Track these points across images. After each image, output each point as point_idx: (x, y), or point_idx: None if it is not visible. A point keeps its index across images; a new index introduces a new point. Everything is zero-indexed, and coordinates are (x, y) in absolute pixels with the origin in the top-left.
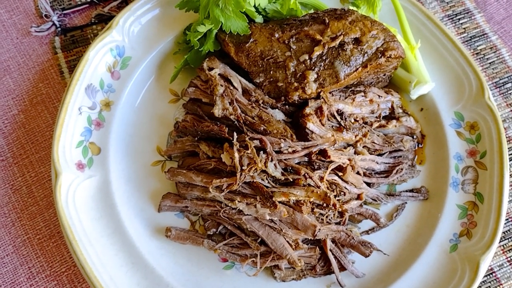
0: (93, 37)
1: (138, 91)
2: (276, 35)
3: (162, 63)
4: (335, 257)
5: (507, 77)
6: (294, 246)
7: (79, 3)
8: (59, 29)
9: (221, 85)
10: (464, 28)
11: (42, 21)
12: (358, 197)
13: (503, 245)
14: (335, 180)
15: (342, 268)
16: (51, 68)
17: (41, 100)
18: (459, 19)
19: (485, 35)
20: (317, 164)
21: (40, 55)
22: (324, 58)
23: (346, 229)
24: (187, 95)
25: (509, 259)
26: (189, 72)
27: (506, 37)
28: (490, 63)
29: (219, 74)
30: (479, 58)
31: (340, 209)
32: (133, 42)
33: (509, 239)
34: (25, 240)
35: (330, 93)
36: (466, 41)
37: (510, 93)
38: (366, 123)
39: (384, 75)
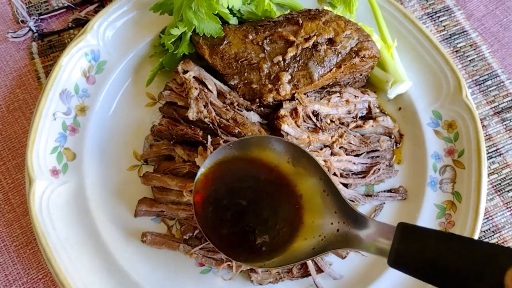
0: (70, 41)
1: (114, 95)
2: (250, 37)
3: (139, 67)
4: (312, 260)
5: (487, 74)
6: None
7: (56, 8)
8: (36, 34)
9: (196, 88)
10: (444, 26)
11: (19, 26)
12: None
13: None
14: None
15: (319, 270)
16: (28, 73)
17: (18, 106)
18: (438, 16)
19: (465, 33)
20: None
21: (17, 60)
22: (298, 59)
23: None
24: (162, 99)
25: None
26: (166, 75)
27: (486, 34)
28: (470, 60)
29: (193, 77)
30: (459, 56)
31: None
32: (108, 46)
33: (489, 238)
34: (2, 247)
35: (305, 94)
36: (446, 38)
37: (490, 91)
38: (342, 123)
39: (361, 75)
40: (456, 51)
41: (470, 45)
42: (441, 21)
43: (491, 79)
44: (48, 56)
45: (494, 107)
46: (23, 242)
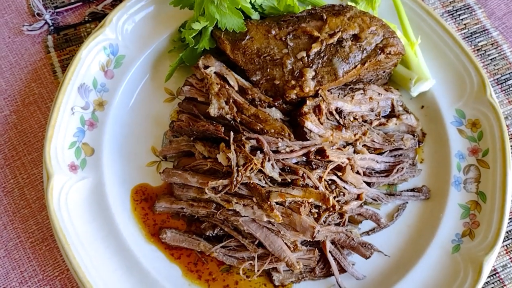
0: (86, 35)
1: (132, 90)
2: (273, 32)
3: (157, 62)
4: (335, 259)
5: (509, 73)
6: (292, 248)
7: (72, 1)
8: (52, 27)
9: (217, 84)
10: (464, 24)
11: (35, 19)
12: (358, 197)
13: (506, 245)
14: (334, 180)
15: (342, 270)
16: (44, 67)
17: (33, 100)
18: (459, 14)
19: (486, 31)
20: (316, 164)
21: (33, 54)
22: (322, 55)
23: (346, 230)
24: (182, 94)
25: None
26: (185, 71)
27: (508, 33)
28: (491, 59)
29: (214, 73)
30: (480, 55)
31: (339, 210)
32: (127, 40)
33: None
34: (17, 243)
35: (328, 90)
36: (467, 37)
37: None
38: (365, 121)
39: (384, 72)
40: (477, 49)
41: (491, 44)
42: (461, 19)
43: None
44: (64, 50)
45: None
46: (39, 239)
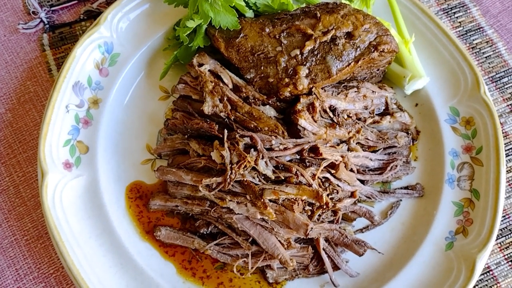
0: (81, 33)
1: (127, 88)
2: (267, 30)
3: (152, 60)
4: (329, 256)
5: (504, 71)
6: (286, 246)
7: None
8: (47, 26)
9: (211, 82)
10: (459, 22)
11: (30, 18)
12: (352, 194)
13: (500, 243)
14: (328, 177)
15: (335, 267)
16: (39, 65)
17: (29, 98)
18: (454, 12)
19: (481, 29)
20: (309, 161)
21: (28, 52)
22: (315, 53)
23: (339, 227)
24: (176, 92)
25: (506, 256)
26: (179, 69)
27: (502, 31)
28: (486, 57)
29: (209, 70)
30: (475, 52)
31: (332, 208)
32: (122, 38)
33: (506, 237)
34: (12, 241)
35: (322, 88)
36: (462, 35)
37: (506, 88)
38: (359, 119)
39: (378, 70)
40: (472, 47)
41: (486, 42)
42: (456, 17)
43: (507, 76)
44: (59, 48)
45: (510, 104)
46: (34, 236)
